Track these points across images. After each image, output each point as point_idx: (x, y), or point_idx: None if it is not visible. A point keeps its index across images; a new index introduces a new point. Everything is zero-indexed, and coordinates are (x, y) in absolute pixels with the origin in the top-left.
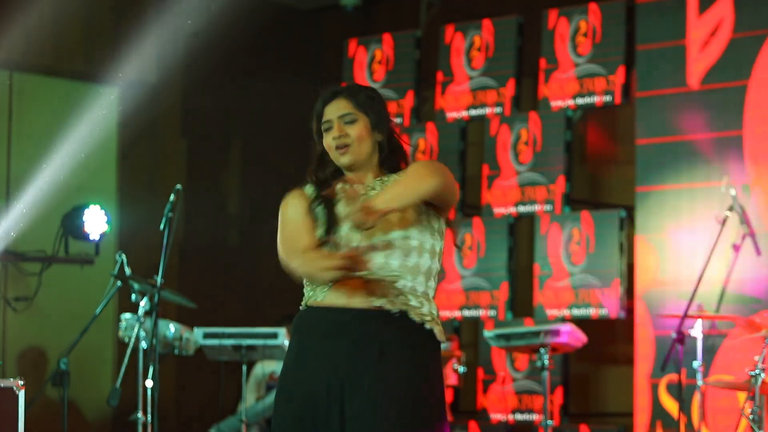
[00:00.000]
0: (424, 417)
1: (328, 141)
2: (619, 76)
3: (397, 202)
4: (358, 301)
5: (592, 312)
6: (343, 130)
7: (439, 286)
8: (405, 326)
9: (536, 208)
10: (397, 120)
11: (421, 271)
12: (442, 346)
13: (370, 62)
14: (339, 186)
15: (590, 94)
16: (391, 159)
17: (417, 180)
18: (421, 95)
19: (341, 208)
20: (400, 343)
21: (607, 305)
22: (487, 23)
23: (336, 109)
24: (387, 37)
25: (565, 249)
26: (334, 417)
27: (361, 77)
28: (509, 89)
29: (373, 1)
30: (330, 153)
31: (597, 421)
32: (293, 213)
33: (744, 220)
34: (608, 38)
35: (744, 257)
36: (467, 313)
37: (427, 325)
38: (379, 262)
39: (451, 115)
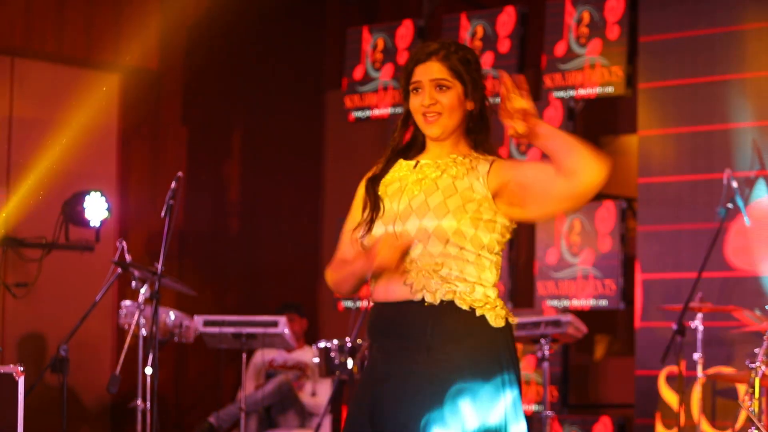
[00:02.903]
0: (481, 410)
1: (416, 104)
2: (622, 68)
3: (554, 140)
4: (398, 294)
5: (592, 303)
6: (434, 98)
7: None
8: (452, 315)
9: None
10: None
11: (468, 259)
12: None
13: (372, 51)
14: (396, 170)
15: (593, 85)
16: (478, 130)
17: (588, 156)
18: None
19: (390, 187)
20: (448, 334)
21: (607, 296)
22: (491, 13)
23: (428, 72)
24: (389, 26)
25: (566, 240)
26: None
27: (363, 66)
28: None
29: None
30: (415, 117)
31: (596, 412)
32: (354, 208)
33: (745, 210)
34: (611, 29)
35: (745, 250)
36: None
37: (478, 312)
38: (418, 251)
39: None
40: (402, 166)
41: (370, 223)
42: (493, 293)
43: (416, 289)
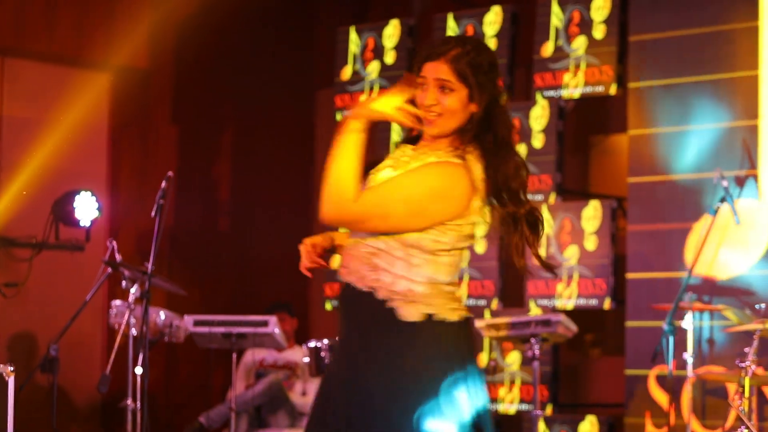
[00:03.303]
0: (384, 410)
1: (419, 99)
2: (612, 67)
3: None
4: (344, 275)
5: (583, 302)
6: (436, 98)
7: None
8: (368, 303)
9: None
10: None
11: (395, 255)
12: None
13: (363, 50)
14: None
15: (583, 84)
16: (472, 132)
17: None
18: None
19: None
20: (368, 325)
21: (598, 296)
22: (480, 12)
23: (434, 71)
24: (377, 26)
25: (557, 239)
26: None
27: (350, 66)
28: (502, 79)
29: None
30: (419, 109)
31: (587, 411)
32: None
33: (735, 211)
34: (601, 29)
35: (734, 249)
36: None
37: (388, 304)
38: (359, 236)
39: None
40: (399, 149)
41: None
42: (421, 289)
43: (349, 271)
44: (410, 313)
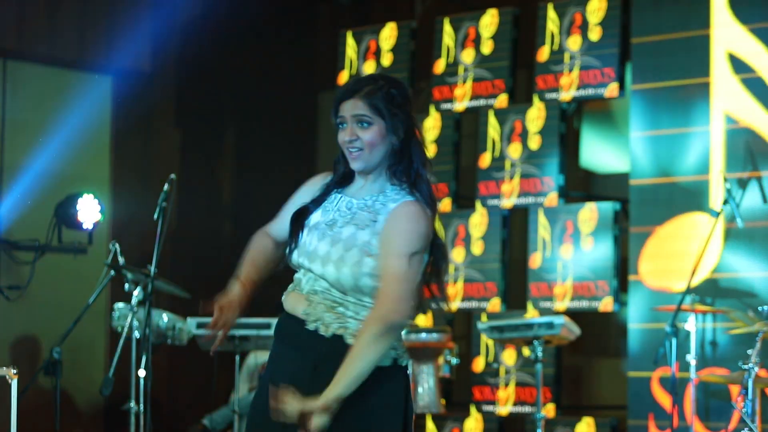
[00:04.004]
0: None
1: (340, 139)
2: (614, 69)
3: (352, 383)
4: (299, 313)
5: (585, 305)
6: (354, 134)
7: None
8: (339, 347)
9: (530, 200)
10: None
11: (366, 305)
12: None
13: (364, 53)
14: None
15: (585, 86)
16: (401, 165)
17: (368, 354)
18: (416, 87)
19: (317, 215)
20: (335, 363)
21: (600, 298)
22: (486, 15)
23: (351, 108)
24: (382, 28)
25: (559, 241)
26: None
27: (347, 70)
28: (504, 81)
29: None
30: (344, 151)
31: (589, 413)
32: (299, 197)
33: (737, 213)
34: (604, 31)
35: (738, 251)
36: (460, 304)
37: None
38: (322, 286)
39: (446, 106)
40: (332, 198)
41: (290, 251)
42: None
43: (312, 319)
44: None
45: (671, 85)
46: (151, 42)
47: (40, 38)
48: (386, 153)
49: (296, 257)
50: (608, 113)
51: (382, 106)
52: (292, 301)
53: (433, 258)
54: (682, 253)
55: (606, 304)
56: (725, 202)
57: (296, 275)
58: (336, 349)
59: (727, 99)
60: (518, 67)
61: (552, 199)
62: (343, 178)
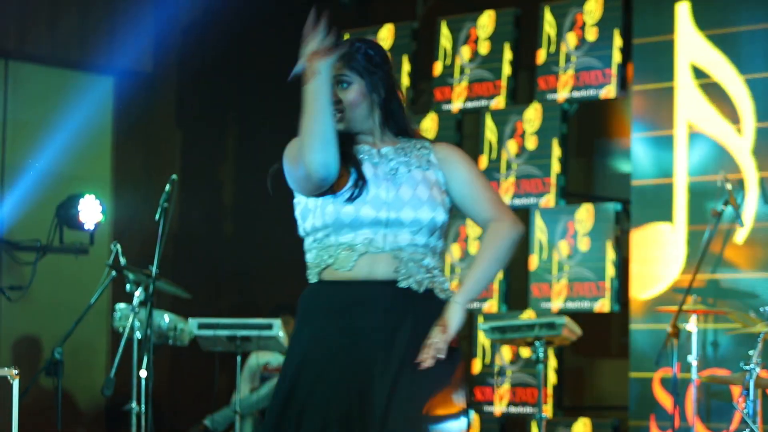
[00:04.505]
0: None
1: None
2: (615, 70)
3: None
4: (383, 274)
5: (586, 305)
6: (336, 95)
7: None
8: (432, 302)
9: (531, 201)
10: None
11: (437, 250)
12: None
13: None
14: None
15: (586, 87)
16: (391, 119)
17: (500, 258)
18: (417, 87)
19: (366, 169)
20: (431, 319)
21: (601, 298)
22: (483, 15)
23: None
24: (383, 29)
25: (560, 242)
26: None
27: None
28: (504, 82)
29: None
30: None
31: (591, 414)
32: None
33: (738, 213)
34: (605, 31)
35: (740, 252)
36: None
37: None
38: (406, 240)
39: (447, 107)
40: (363, 150)
41: (353, 199)
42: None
43: (403, 276)
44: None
45: (673, 86)
46: (153, 42)
47: (41, 39)
48: (370, 111)
49: (372, 211)
50: (609, 113)
51: (361, 67)
52: (367, 264)
53: None
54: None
55: (602, 305)
56: (726, 203)
57: (350, 237)
58: (430, 304)
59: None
60: (520, 68)
61: (550, 199)
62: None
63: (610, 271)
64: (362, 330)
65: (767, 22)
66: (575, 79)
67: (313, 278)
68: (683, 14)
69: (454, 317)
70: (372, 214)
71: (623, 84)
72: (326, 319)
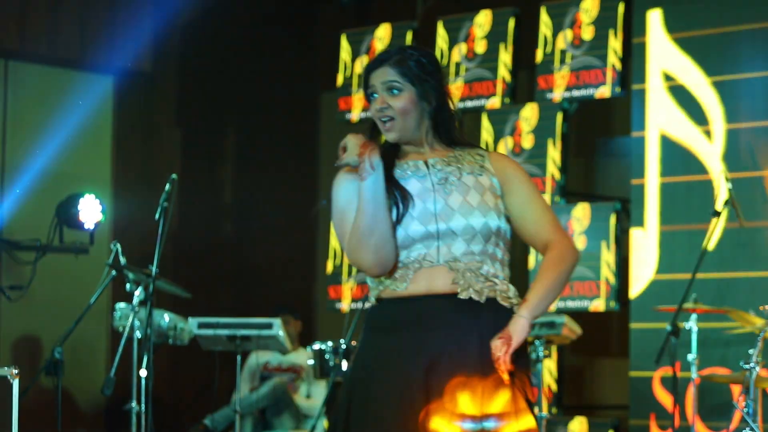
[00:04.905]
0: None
1: (372, 111)
2: (615, 69)
3: (545, 306)
4: (442, 288)
5: (586, 304)
6: (385, 102)
7: None
8: (496, 313)
9: None
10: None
11: (498, 256)
12: None
13: (366, 53)
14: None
15: (586, 86)
16: (442, 129)
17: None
18: None
19: (410, 185)
20: (496, 328)
21: (601, 297)
22: (483, 14)
23: (380, 77)
24: (383, 28)
25: None
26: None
27: (356, 68)
28: (503, 81)
29: None
30: (377, 123)
31: (591, 413)
32: (344, 196)
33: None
34: (604, 30)
35: (739, 251)
36: None
37: (516, 309)
38: (461, 250)
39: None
40: (408, 166)
41: (400, 219)
42: (513, 288)
43: (462, 288)
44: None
45: (673, 85)
46: (152, 42)
47: (41, 38)
48: (420, 121)
49: (421, 226)
50: (609, 112)
51: (412, 73)
52: (425, 279)
53: None
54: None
55: (597, 305)
56: (726, 201)
57: (404, 255)
58: (495, 316)
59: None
60: (521, 68)
61: (552, 198)
62: (390, 155)
63: (605, 270)
64: (426, 345)
65: (736, 24)
66: (575, 79)
67: (372, 299)
68: (655, 21)
69: (518, 331)
70: (421, 229)
71: (623, 83)
72: (389, 335)
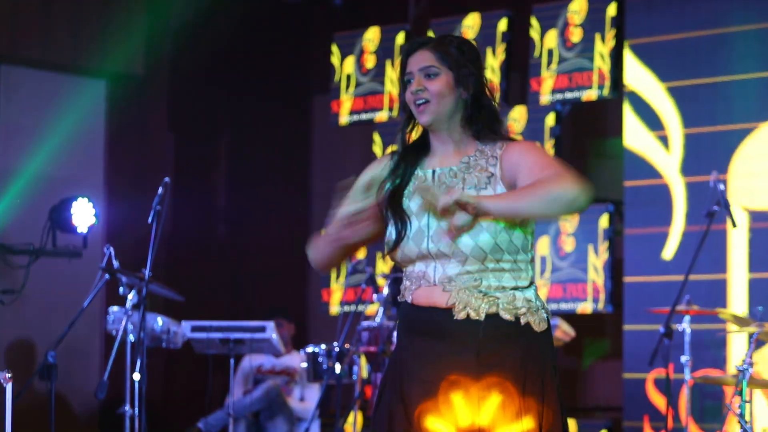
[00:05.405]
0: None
1: (408, 95)
2: (608, 71)
3: (508, 213)
4: (440, 303)
5: (580, 306)
6: (421, 84)
7: None
8: (498, 327)
9: None
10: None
11: (505, 268)
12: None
13: (359, 56)
14: (418, 171)
15: (579, 88)
16: (476, 119)
17: (552, 198)
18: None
19: (413, 201)
20: (496, 344)
21: (595, 300)
22: (475, 17)
23: (418, 61)
24: (371, 32)
25: (554, 243)
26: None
27: (349, 71)
28: (497, 84)
29: None
30: (410, 107)
31: (585, 415)
32: (363, 178)
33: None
34: (597, 33)
35: (732, 254)
36: None
37: (522, 320)
38: (455, 270)
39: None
40: (418, 178)
41: (399, 240)
42: (531, 294)
43: (459, 309)
44: (539, 324)
45: (666, 87)
46: (145, 46)
47: (33, 42)
48: (455, 108)
49: (415, 247)
50: (602, 114)
51: (451, 58)
52: (424, 294)
53: None
54: None
55: (601, 306)
56: (718, 202)
57: (410, 270)
58: (494, 328)
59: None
60: (513, 70)
61: None
62: (416, 152)
63: (592, 273)
64: (427, 354)
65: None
66: (566, 81)
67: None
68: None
69: (470, 196)
70: (415, 249)
71: (616, 85)
72: (405, 335)
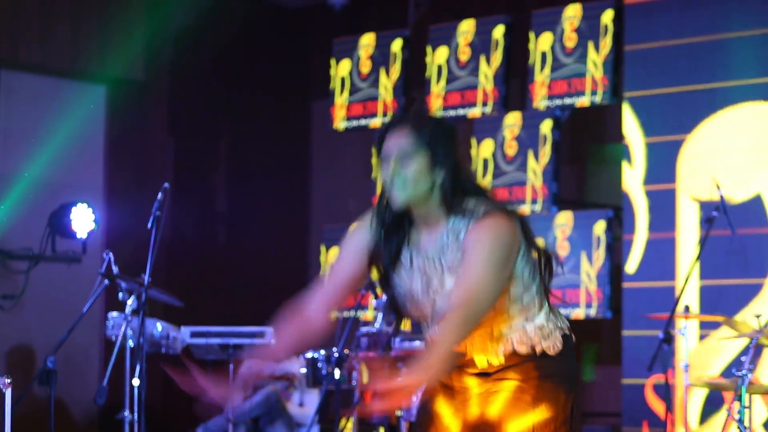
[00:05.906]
0: None
1: (384, 175)
2: (608, 76)
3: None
4: (472, 366)
5: (579, 312)
6: (397, 169)
7: None
8: (517, 361)
9: (523, 208)
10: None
11: (508, 311)
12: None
13: (357, 61)
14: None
15: (578, 94)
16: (452, 198)
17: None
18: (409, 94)
19: (409, 253)
20: (517, 375)
21: (594, 305)
22: (474, 23)
23: (395, 143)
24: (367, 37)
25: (553, 249)
26: None
27: (346, 76)
28: (496, 89)
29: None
30: (385, 186)
31: (584, 420)
32: (345, 247)
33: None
34: (596, 38)
35: (731, 259)
36: None
37: (538, 349)
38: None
39: (438, 114)
40: (407, 257)
41: (401, 321)
42: (542, 319)
43: (479, 361)
44: (553, 348)
45: (665, 92)
46: (145, 51)
47: (33, 47)
48: (431, 189)
49: (419, 315)
50: (602, 120)
51: (428, 140)
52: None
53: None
54: None
55: (600, 312)
56: (717, 208)
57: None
58: (512, 363)
59: None
60: (512, 76)
61: (544, 206)
62: (400, 223)
63: (585, 279)
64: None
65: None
66: (565, 86)
67: None
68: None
69: (394, 381)
70: (416, 314)
71: (615, 91)
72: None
